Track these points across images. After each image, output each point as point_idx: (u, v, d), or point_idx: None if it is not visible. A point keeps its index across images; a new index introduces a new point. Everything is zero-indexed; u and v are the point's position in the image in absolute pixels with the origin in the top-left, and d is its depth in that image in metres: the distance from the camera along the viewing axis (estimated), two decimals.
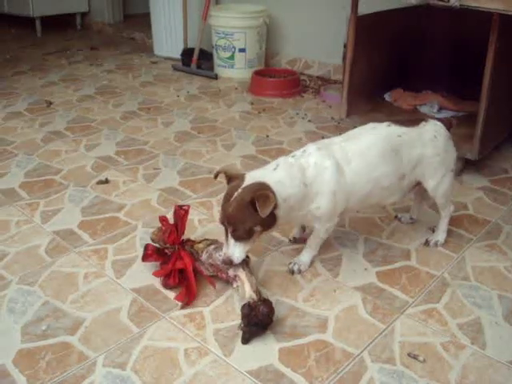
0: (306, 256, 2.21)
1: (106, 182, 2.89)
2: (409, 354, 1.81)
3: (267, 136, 3.55)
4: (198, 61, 4.90)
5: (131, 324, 1.92)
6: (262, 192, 1.82)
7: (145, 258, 2.19)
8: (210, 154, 3.26)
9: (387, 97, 3.76)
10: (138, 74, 4.95)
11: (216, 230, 2.36)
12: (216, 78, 4.81)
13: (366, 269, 2.22)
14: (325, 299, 2.06)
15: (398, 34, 3.66)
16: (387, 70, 3.67)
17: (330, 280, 2.17)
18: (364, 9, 3.22)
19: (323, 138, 3.49)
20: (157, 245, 2.19)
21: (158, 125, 3.72)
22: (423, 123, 2.24)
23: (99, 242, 2.39)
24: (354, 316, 1.98)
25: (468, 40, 3.45)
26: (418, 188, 2.35)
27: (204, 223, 2.52)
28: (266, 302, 1.85)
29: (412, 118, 2.53)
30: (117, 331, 1.89)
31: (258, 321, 1.82)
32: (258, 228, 1.88)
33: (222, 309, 2.00)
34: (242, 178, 1.92)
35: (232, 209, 1.85)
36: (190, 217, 2.53)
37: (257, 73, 4.54)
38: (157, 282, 2.13)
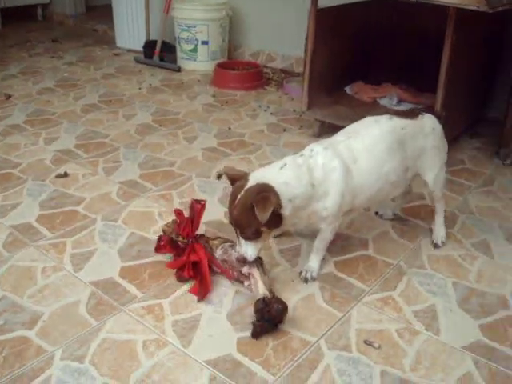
0: (314, 261, 2.16)
1: (66, 175, 2.86)
2: (365, 341, 1.85)
3: (229, 128, 3.56)
4: (160, 53, 4.87)
5: (89, 317, 1.92)
6: (262, 195, 1.80)
7: (158, 249, 2.19)
8: (171, 147, 3.26)
9: (348, 89, 3.79)
10: (99, 66, 4.90)
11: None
12: (179, 70, 4.79)
13: (324, 258, 2.25)
14: (283, 288, 2.08)
15: (359, 27, 3.70)
16: (348, 63, 3.71)
17: (288, 270, 2.20)
18: (326, 1, 3.24)
19: (285, 130, 3.53)
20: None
21: (119, 117, 3.70)
22: (421, 116, 2.25)
23: (58, 235, 2.37)
24: (311, 305, 2.01)
25: (427, 33, 3.51)
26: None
27: (164, 216, 2.52)
28: (281, 301, 1.86)
29: (409, 111, 2.53)
30: (75, 325, 1.89)
31: (271, 317, 1.83)
32: (264, 229, 1.87)
33: (181, 300, 2.00)
34: (245, 178, 1.90)
35: (237, 212, 1.85)
36: (149, 209, 2.56)
37: (219, 65, 4.54)
38: (116, 275, 2.13)
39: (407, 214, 2.55)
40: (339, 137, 2.13)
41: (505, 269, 2.25)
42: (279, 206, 1.84)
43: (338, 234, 2.41)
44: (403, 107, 3.51)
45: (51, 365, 1.72)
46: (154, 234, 2.38)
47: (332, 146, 2.03)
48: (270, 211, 1.78)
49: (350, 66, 3.74)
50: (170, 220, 2.27)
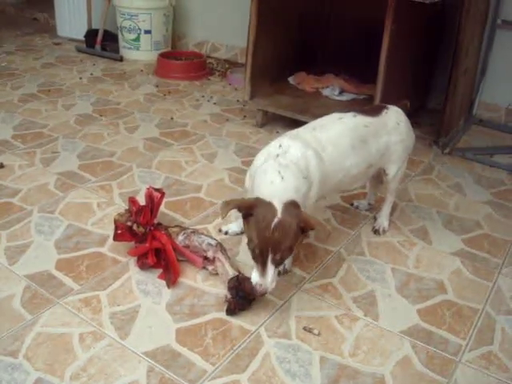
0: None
1: (1, 166, 2.77)
2: (304, 328, 1.86)
3: (172, 118, 3.51)
4: (102, 42, 4.77)
5: (24, 311, 1.86)
6: (307, 216, 1.77)
7: (116, 237, 2.14)
8: (111, 137, 3.19)
9: (291, 80, 3.80)
10: (39, 55, 4.76)
11: (114, 212, 2.30)
12: (121, 60, 4.70)
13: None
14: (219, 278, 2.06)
15: (302, 17, 3.70)
16: (291, 54, 3.71)
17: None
18: None
19: (228, 120, 3.51)
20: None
21: (59, 107, 3.60)
22: (385, 111, 2.23)
23: None
24: None
25: (369, 25, 3.53)
26: (377, 173, 2.36)
27: (103, 207, 2.46)
28: None
29: (374, 107, 2.51)
30: (9, 319, 1.83)
31: (245, 294, 1.85)
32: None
33: (119, 292, 1.97)
34: (263, 202, 1.77)
35: (280, 235, 1.72)
36: (88, 200, 2.50)
37: (163, 55, 4.47)
38: (52, 268, 2.07)
39: (347, 202, 2.57)
40: (304, 129, 2.09)
41: (442, 254, 2.30)
42: None
43: None
44: (345, 97, 3.55)
45: None
46: (92, 225, 2.33)
47: (298, 136, 2.00)
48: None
49: (293, 56, 3.74)
50: (124, 210, 2.24)
